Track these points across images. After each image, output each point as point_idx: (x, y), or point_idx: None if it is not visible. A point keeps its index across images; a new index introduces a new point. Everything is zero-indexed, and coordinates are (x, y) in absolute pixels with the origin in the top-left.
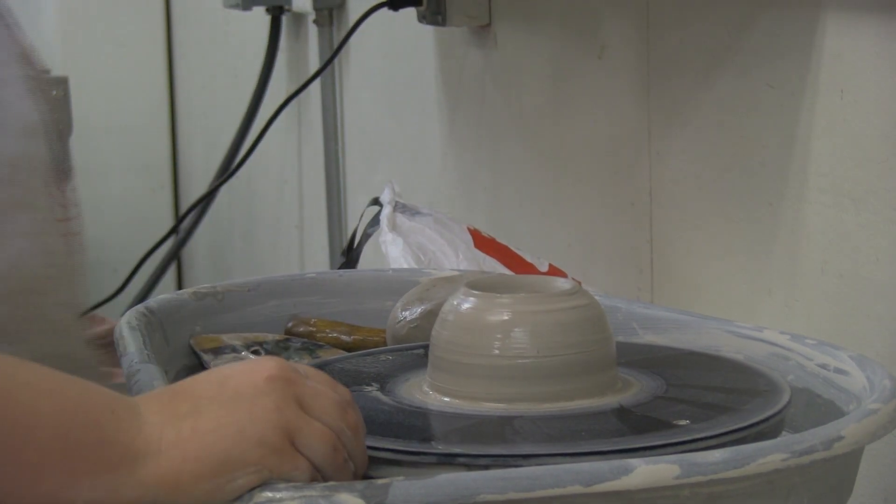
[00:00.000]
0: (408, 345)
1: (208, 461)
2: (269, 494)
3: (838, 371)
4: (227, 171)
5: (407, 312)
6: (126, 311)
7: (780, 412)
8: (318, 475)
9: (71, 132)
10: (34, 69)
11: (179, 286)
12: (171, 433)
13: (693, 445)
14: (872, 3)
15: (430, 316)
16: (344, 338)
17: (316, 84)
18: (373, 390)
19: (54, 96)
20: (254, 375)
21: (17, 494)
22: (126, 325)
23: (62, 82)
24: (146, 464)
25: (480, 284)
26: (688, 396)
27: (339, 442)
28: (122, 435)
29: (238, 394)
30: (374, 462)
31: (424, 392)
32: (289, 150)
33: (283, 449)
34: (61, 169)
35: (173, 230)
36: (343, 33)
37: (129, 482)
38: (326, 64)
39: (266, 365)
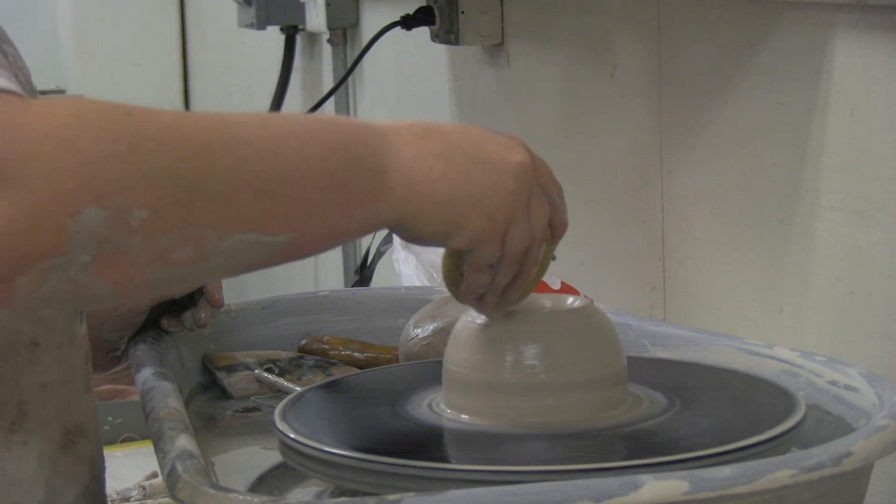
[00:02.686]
0: (419, 361)
1: (447, 210)
2: None
3: (848, 388)
4: None
5: (419, 330)
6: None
7: (793, 428)
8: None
9: None
10: (12, 48)
11: None
12: (423, 169)
13: (703, 462)
14: (882, 22)
15: (442, 333)
16: (357, 355)
17: (330, 102)
18: (384, 407)
19: None
20: (509, 153)
21: (309, 230)
22: (141, 342)
23: None
24: (399, 193)
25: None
26: (698, 412)
27: (530, 247)
28: (381, 168)
29: (491, 161)
30: (386, 478)
31: (435, 408)
32: None
33: (497, 233)
34: None
35: None
36: (357, 52)
37: (386, 208)
38: (340, 82)
39: (519, 148)
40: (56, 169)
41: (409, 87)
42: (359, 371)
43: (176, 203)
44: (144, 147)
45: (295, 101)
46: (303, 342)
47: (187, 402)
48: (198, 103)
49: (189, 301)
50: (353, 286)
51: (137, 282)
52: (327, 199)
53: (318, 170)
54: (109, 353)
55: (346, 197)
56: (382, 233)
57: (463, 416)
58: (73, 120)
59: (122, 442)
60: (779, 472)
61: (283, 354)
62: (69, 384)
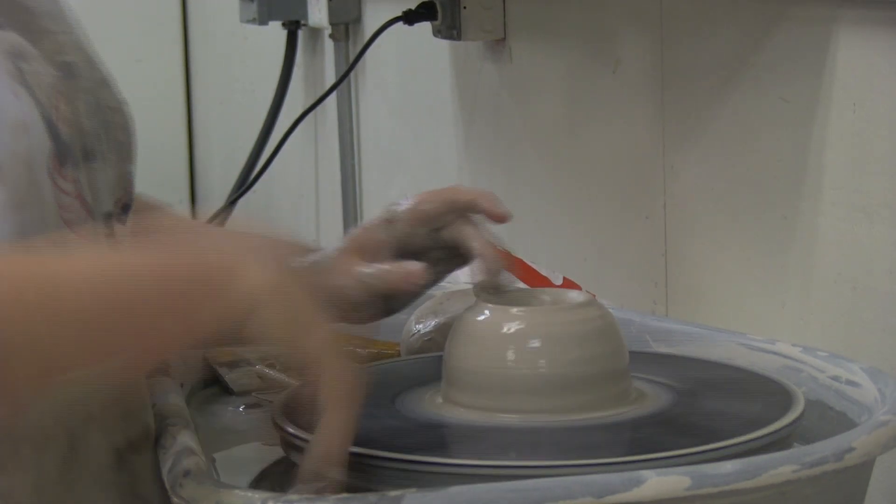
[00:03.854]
0: (421, 356)
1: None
2: None
3: (850, 383)
4: (244, 185)
5: (421, 325)
6: None
7: (793, 423)
8: None
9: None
10: (33, 60)
11: None
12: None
13: (705, 457)
14: (885, 17)
15: (444, 328)
16: (359, 351)
17: (332, 98)
18: (386, 402)
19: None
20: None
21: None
22: None
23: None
24: (221, 284)
25: (495, 297)
26: (700, 407)
27: None
28: (196, 267)
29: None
30: (388, 473)
31: (437, 404)
32: (305, 164)
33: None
34: (65, 154)
35: None
36: (359, 48)
37: (214, 300)
38: (342, 78)
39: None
40: None
41: (411, 82)
42: (360, 366)
43: None
44: None
45: (297, 96)
46: None
47: (188, 399)
48: (200, 100)
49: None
50: None
51: None
52: (160, 330)
53: (147, 303)
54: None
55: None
56: None
57: (464, 411)
58: None
59: None
60: (781, 467)
61: None
62: (122, 404)
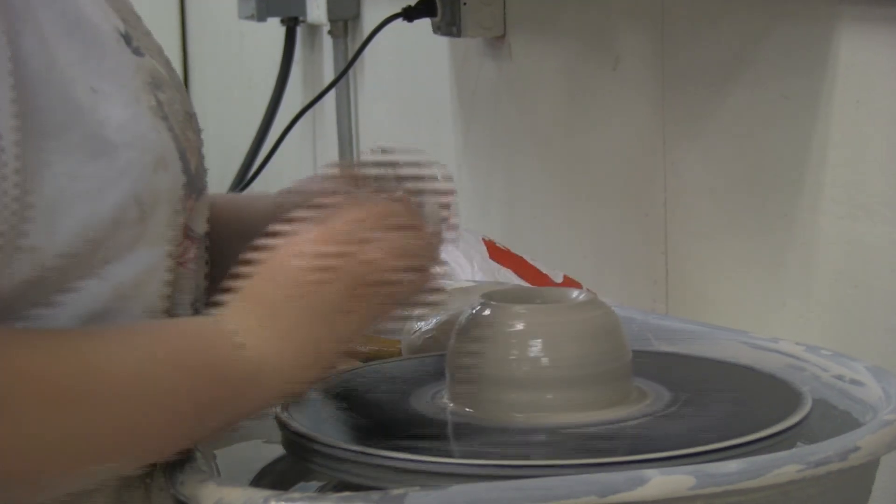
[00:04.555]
0: (423, 355)
1: (305, 357)
2: None
3: (854, 382)
4: (243, 182)
5: (422, 323)
6: None
7: (799, 423)
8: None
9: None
10: (166, 90)
11: None
12: (268, 349)
13: (709, 456)
14: (887, 14)
15: (446, 326)
16: (360, 348)
17: (331, 95)
18: (388, 400)
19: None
20: (318, 270)
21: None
22: None
23: None
24: (259, 385)
25: (496, 295)
26: (704, 406)
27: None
28: (231, 371)
29: (305, 289)
30: (390, 472)
31: (439, 402)
32: (304, 161)
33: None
34: (193, 186)
35: None
36: (358, 44)
37: (248, 404)
38: (341, 75)
39: (328, 255)
40: None
41: (410, 79)
42: (362, 364)
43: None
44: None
45: (295, 93)
46: None
47: None
48: (198, 96)
49: None
50: None
51: None
52: (198, 428)
53: (187, 409)
54: None
55: (201, 412)
56: None
57: (467, 409)
58: None
59: None
60: (785, 467)
61: None
62: None
